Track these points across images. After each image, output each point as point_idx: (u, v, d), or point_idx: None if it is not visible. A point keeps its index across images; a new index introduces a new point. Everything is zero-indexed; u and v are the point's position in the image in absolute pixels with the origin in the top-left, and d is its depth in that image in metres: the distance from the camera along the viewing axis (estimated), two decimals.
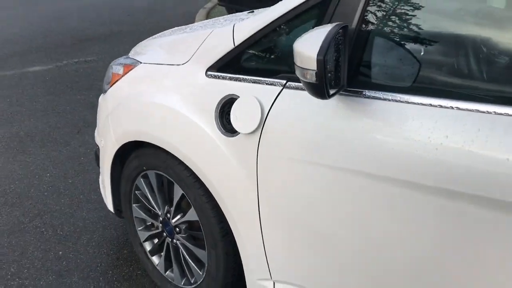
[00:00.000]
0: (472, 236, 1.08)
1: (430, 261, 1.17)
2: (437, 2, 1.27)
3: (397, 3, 1.24)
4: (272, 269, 1.59)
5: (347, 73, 1.22)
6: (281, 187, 1.43)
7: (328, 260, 1.42)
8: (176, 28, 2.27)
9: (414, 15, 1.24)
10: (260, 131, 1.43)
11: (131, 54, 2.12)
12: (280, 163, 1.41)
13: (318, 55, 1.05)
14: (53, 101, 4.21)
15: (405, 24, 1.24)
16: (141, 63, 1.91)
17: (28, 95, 4.38)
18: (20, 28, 7.02)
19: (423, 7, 1.24)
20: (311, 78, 1.09)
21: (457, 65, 1.22)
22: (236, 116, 1.47)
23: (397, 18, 1.25)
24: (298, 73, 1.13)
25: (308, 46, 1.09)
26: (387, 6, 1.25)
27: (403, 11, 1.24)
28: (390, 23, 1.26)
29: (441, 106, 1.10)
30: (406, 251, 1.21)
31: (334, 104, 1.27)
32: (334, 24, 1.14)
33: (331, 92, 1.13)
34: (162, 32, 2.28)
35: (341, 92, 1.23)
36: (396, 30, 1.25)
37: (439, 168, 1.08)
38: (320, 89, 1.10)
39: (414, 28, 1.23)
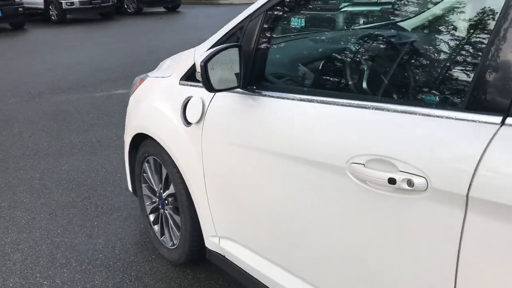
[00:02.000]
0: (314, 195, 1.55)
1: (306, 216, 1.62)
2: (306, 34, 1.78)
3: (280, 32, 1.77)
4: (216, 227, 2.13)
5: (246, 78, 1.76)
6: (215, 162, 1.98)
7: (247, 217, 1.92)
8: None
9: (294, 38, 1.76)
10: (203, 121, 2.00)
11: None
12: (214, 144, 1.96)
13: (201, 62, 1.62)
14: (124, 117, 5.09)
15: (288, 45, 1.77)
16: (149, 76, 2.57)
17: (107, 112, 5.31)
18: (118, 59, 8.21)
19: (300, 34, 1.75)
20: (200, 77, 1.65)
21: (319, 72, 1.72)
22: (189, 111, 2.06)
23: (282, 41, 1.78)
24: (197, 75, 1.70)
25: (200, 58, 1.66)
26: (275, 33, 1.79)
27: (286, 37, 1.77)
28: (278, 44, 1.79)
29: (309, 101, 1.58)
30: (288, 208, 1.66)
31: (243, 101, 1.81)
32: (226, 45, 1.70)
33: (217, 88, 1.68)
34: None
35: (238, 90, 1.78)
36: (282, 49, 1.78)
37: (302, 143, 1.56)
38: (205, 85, 1.66)
39: (295, 47, 1.75)
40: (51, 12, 14.53)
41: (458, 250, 1.18)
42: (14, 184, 3.60)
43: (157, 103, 2.32)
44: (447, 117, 1.21)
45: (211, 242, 2.19)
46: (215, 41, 2.00)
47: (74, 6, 14.21)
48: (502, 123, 1.11)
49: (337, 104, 1.47)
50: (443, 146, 1.19)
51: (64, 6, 14.11)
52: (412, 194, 1.25)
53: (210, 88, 1.67)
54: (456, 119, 1.19)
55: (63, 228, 2.96)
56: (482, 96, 1.15)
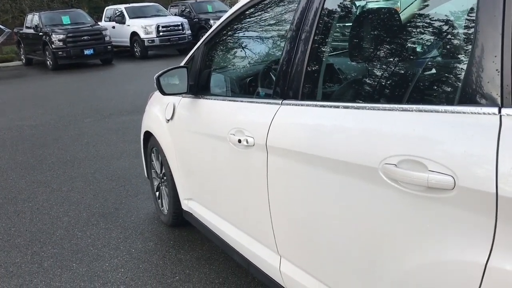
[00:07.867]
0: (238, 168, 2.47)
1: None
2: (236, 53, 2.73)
3: (219, 58, 2.74)
4: (185, 191, 3.07)
5: (193, 87, 2.73)
6: (179, 143, 2.95)
7: (197, 181, 2.86)
8: None
9: (228, 60, 2.72)
10: (174, 118, 2.99)
11: None
12: (178, 131, 2.93)
13: (155, 76, 2.62)
14: None
15: (220, 66, 2.73)
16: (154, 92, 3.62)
17: None
18: None
19: (226, 58, 2.71)
20: (156, 86, 2.65)
21: (242, 80, 2.65)
22: (166, 112, 3.06)
23: (221, 63, 2.74)
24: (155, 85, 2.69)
25: (158, 73, 2.65)
26: (214, 58, 2.76)
27: (218, 61, 2.73)
28: (218, 65, 2.76)
29: (240, 101, 2.47)
30: (214, 170, 2.60)
31: (192, 102, 2.78)
32: (177, 66, 2.69)
33: (167, 92, 2.66)
34: None
35: (185, 95, 2.76)
36: (220, 69, 2.74)
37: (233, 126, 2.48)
38: (159, 90, 2.65)
39: (224, 67, 2.71)
40: (135, 49, 16.49)
41: (267, 178, 2.05)
42: (74, 176, 4.80)
43: (153, 109, 3.35)
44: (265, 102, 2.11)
45: (184, 203, 3.14)
46: (184, 62, 3.01)
47: (154, 44, 16.06)
48: (281, 103, 1.99)
49: (241, 101, 2.37)
50: (260, 117, 2.08)
51: (146, 43, 15.98)
52: (248, 148, 2.13)
53: (162, 92, 2.67)
54: (257, 102, 2.09)
55: (100, 204, 4.05)
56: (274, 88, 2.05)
